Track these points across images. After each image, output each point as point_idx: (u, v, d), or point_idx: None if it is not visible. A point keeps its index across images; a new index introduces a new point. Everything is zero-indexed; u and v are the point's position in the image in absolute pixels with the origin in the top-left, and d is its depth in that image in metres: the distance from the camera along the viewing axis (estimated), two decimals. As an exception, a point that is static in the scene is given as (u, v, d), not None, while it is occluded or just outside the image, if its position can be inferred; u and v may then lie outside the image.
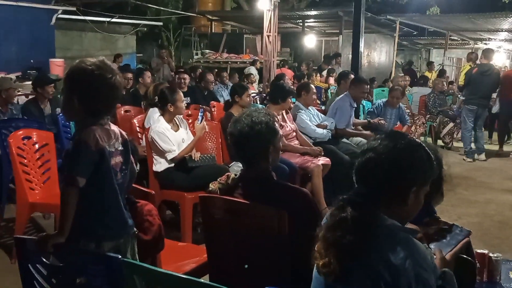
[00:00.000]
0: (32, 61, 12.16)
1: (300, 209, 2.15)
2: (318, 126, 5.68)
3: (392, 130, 1.54)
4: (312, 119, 5.73)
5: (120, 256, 1.73)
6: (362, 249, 1.46)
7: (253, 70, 12.39)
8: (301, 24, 17.45)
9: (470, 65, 9.40)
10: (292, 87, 6.74)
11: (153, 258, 2.47)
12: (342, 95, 6.07)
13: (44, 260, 1.87)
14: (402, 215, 1.59)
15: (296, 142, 5.29)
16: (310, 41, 17.30)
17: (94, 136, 2.03)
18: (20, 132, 4.24)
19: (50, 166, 4.26)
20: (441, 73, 12.52)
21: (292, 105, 5.72)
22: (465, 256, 1.87)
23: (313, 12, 15.87)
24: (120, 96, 2.21)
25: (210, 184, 2.41)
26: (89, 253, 1.89)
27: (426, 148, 1.64)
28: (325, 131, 5.65)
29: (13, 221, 4.31)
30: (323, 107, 7.32)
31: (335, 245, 1.48)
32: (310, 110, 5.82)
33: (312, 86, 6.07)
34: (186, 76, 7.31)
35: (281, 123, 4.98)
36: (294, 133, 5.32)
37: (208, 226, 2.46)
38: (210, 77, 8.36)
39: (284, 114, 5.29)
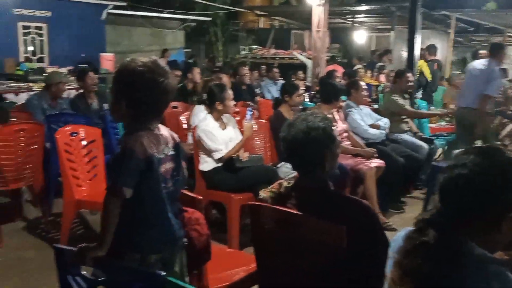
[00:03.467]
0: (83, 55, 12.41)
1: (361, 224, 1.95)
2: (371, 126, 5.43)
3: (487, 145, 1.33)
4: (364, 119, 5.49)
5: (164, 273, 1.59)
6: (444, 281, 1.25)
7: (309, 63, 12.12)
8: (351, 19, 17.05)
9: None
10: (342, 84, 6.51)
11: (200, 268, 2.34)
12: None
13: (84, 273, 1.75)
14: (492, 243, 1.36)
15: (348, 143, 5.07)
16: (360, 37, 16.88)
17: (141, 144, 1.87)
18: (68, 128, 4.22)
19: (97, 163, 4.23)
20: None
21: (343, 104, 5.50)
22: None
23: (364, 7, 15.44)
24: (171, 100, 2.05)
25: (261, 192, 2.24)
26: (132, 269, 1.76)
27: None
28: (378, 131, 5.40)
29: (60, 216, 4.31)
30: (375, 106, 7.04)
31: (413, 274, 1.28)
32: (361, 109, 5.58)
33: (362, 83, 5.82)
34: (223, 75, 7.14)
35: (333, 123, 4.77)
36: (346, 134, 5.10)
37: (258, 236, 2.30)
38: (243, 70, 8.18)
39: (335, 113, 5.07)
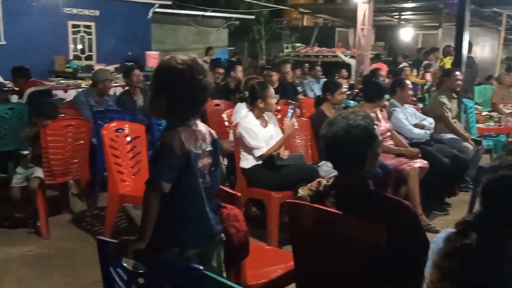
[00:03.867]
0: (129, 53, 12.68)
1: (400, 224, 1.91)
2: (415, 125, 5.32)
3: None
4: (408, 118, 5.38)
5: (202, 268, 1.61)
6: (484, 284, 1.21)
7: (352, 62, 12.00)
8: (397, 17, 16.73)
9: None
10: (387, 83, 6.40)
11: (238, 264, 2.35)
12: None
13: (125, 265, 1.80)
14: None
15: (391, 142, 4.98)
16: (406, 35, 16.53)
17: (179, 139, 1.91)
18: (113, 124, 4.33)
19: (141, 158, 4.32)
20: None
21: (386, 103, 5.41)
22: None
23: (411, 4, 15.13)
24: (209, 97, 2.09)
25: (300, 190, 2.23)
26: (170, 263, 1.79)
27: None
28: (422, 131, 5.29)
29: (105, 209, 4.43)
30: (420, 105, 6.88)
31: (453, 276, 1.25)
32: (406, 108, 5.47)
33: (408, 82, 5.70)
34: (273, 73, 7.15)
35: (375, 122, 4.70)
36: (389, 133, 5.01)
37: (296, 234, 2.29)
38: (285, 68, 8.15)
39: (378, 112, 4.99)
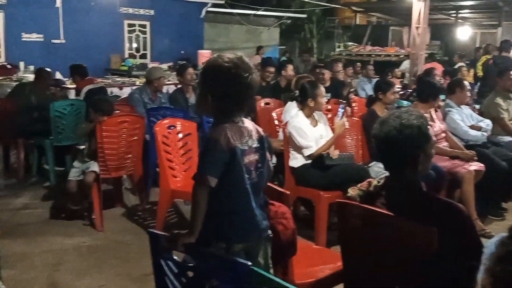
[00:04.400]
0: (182, 52, 12.90)
1: (452, 227, 1.86)
2: (472, 127, 5.15)
3: None
4: (464, 120, 5.21)
5: (250, 263, 1.62)
6: None
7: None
8: (454, 15, 16.24)
9: None
10: (442, 83, 6.22)
11: (285, 262, 2.35)
12: None
13: (176, 258, 1.84)
14: None
15: (445, 143, 4.84)
16: (463, 34, 16.04)
17: (225, 135, 1.96)
18: (166, 121, 4.43)
19: (192, 155, 4.40)
20: None
21: (441, 103, 5.26)
22: None
23: (469, 2, 14.66)
24: (254, 94, 2.11)
25: (349, 190, 2.21)
26: (219, 257, 1.82)
27: None
28: (479, 133, 5.11)
29: (157, 204, 4.53)
30: (476, 106, 6.65)
31: (505, 281, 1.20)
32: (462, 110, 5.30)
33: (466, 82, 5.52)
34: (325, 71, 7.09)
35: (429, 122, 4.58)
36: (443, 134, 4.87)
37: (345, 234, 2.27)
38: (337, 67, 8.05)
39: (433, 112, 4.87)
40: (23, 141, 5.96)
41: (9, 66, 9.63)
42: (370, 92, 7.72)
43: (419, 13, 10.20)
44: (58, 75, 8.91)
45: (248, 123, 2.11)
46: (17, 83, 7.62)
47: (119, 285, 3.48)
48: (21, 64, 10.00)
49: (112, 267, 3.74)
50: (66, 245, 4.11)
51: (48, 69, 6.64)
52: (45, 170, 5.94)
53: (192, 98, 6.13)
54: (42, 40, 11.33)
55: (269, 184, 2.30)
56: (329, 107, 5.47)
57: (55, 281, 3.50)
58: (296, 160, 4.25)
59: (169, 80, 8.59)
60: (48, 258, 3.85)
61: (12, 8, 10.36)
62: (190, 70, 6.23)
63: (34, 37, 11.26)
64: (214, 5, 14.34)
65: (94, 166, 4.48)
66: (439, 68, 9.46)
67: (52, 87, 7.18)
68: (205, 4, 13.96)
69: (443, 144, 4.80)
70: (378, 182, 2.14)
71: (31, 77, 7.66)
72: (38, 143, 5.89)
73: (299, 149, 4.21)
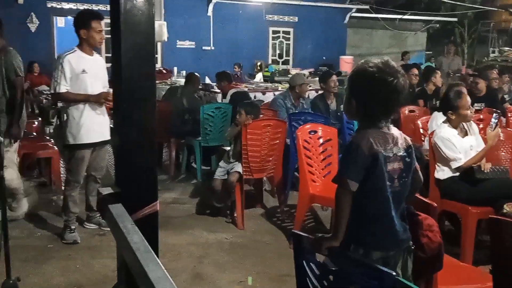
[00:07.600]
0: (324, 58, 12.98)
1: None
2: None
3: None
4: None
5: (394, 273, 1.59)
6: None
7: None
8: None
9: None
10: None
11: (429, 277, 2.25)
12: None
13: (318, 260, 1.86)
14: None
15: None
16: None
17: (368, 140, 1.94)
18: (308, 126, 4.49)
19: (332, 160, 4.40)
20: None
21: None
22: None
23: None
24: (402, 100, 2.05)
25: (505, 206, 2.06)
26: (363, 264, 1.80)
27: None
28: None
29: (295, 207, 4.61)
30: None
31: None
32: None
33: None
34: (480, 80, 6.57)
35: None
36: None
37: (497, 253, 2.11)
38: (492, 74, 7.38)
39: None
40: (175, 140, 6.46)
41: (164, 71, 10.51)
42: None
43: None
44: (207, 80, 9.51)
45: (394, 130, 2.07)
46: (169, 86, 8.27)
47: (257, 283, 3.59)
48: (175, 69, 10.85)
49: (251, 264, 3.87)
50: (210, 239, 4.36)
51: (197, 74, 7.11)
52: (193, 169, 6.39)
53: (333, 104, 6.14)
54: (194, 47, 12.17)
55: (416, 195, 2.22)
56: (481, 116, 5.10)
57: (200, 272, 3.73)
58: (442, 172, 4.03)
59: (310, 86, 8.69)
60: (193, 250, 4.12)
61: (170, 17, 11.30)
62: (334, 77, 6.25)
63: (187, 44, 12.14)
64: (358, 10, 14.19)
65: (238, 167, 4.69)
66: None
67: (202, 91, 7.68)
68: (349, 9, 13.89)
69: None
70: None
71: (183, 81, 8.27)
72: (188, 143, 6.35)
73: (446, 161, 3.99)
